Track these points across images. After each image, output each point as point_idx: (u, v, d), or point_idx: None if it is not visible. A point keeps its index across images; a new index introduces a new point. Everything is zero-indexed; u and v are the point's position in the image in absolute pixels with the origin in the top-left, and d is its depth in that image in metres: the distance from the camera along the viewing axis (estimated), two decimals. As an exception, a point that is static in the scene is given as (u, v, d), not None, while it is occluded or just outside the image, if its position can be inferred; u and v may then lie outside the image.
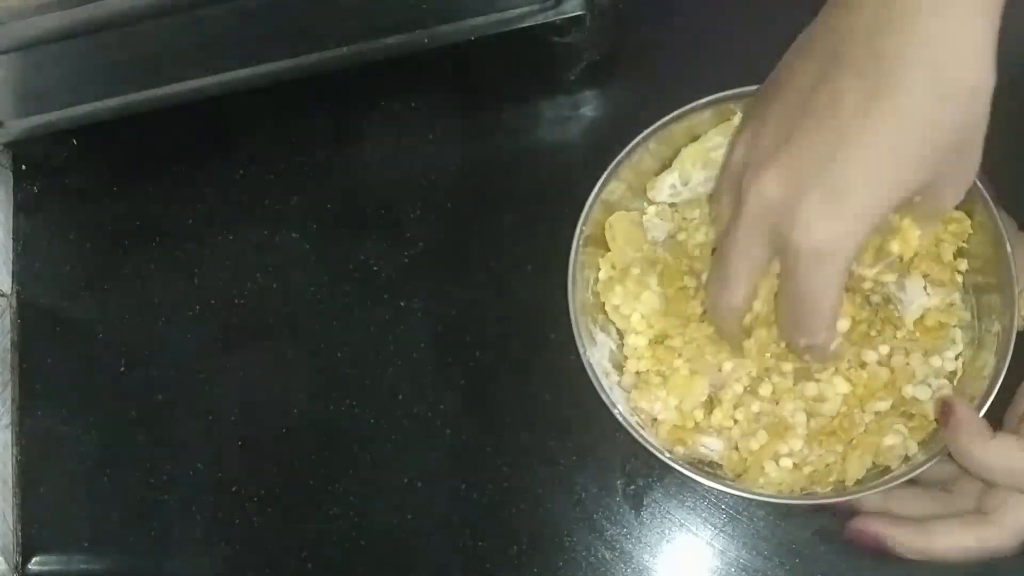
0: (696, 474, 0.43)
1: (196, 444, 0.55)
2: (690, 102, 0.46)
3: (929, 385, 0.45)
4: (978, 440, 0.38)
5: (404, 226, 0.56)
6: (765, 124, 0.38)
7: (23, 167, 0.61)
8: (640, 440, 0.44)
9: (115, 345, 0.57)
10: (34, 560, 0.56)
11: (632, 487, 0.51)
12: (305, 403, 0.55)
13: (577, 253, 0.46)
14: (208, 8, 0.47)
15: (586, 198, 0.50)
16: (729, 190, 0.40)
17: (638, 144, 0.46)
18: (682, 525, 0.51)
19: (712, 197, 0.44)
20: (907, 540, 0.39)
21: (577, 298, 0.46)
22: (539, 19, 0.54)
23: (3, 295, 0.59)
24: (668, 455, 0.44)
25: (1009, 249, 0.42)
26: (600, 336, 0.48)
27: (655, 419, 0.46)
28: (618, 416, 0.44)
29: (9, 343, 0.58)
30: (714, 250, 0.44)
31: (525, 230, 0.55)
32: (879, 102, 0.34)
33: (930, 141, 0.35)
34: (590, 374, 0.45)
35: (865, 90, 0.34)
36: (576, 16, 0.54)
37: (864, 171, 0.34)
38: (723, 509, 0.50)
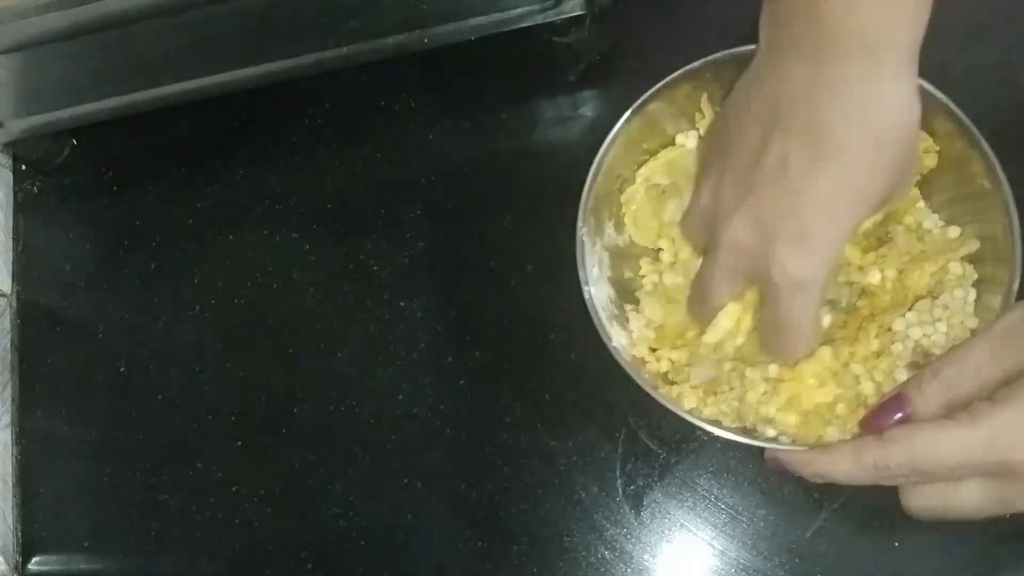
0: (673, 406, 0.44)
1: (196, 444, 0.55)
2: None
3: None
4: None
5: (404, 226, 0.56)
6: (723, 178, 0.43)
7: (23, 167, 0.61)
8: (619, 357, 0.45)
9: (115, 345, 0.57)
10: (34, 560, 0.56)
11: (632, 487, 0.51)
12: (305, 403, 0.55)
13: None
14: (208, 8, 0.47)
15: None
16: (701, 227, 0.45)
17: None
18: (682, 525, 0.51)
19: (682, 226, 0.48)
20: (804, 464, 0.42)
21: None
22: (539, 19, 0.54)
23: (3, 295, 0.59)
24: (644, 378, 0.45)
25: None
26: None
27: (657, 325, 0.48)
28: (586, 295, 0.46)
29: (9, 343, 0.58)
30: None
31: (525, 230, 0.55)
32: (824, 164, 0.39)
33: (873, 182, 0.40)
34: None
35: (809, 155, 0.39)
36: (576, 16, 0.54)
37: (822, 217, 0.40)
38: (723, 509, 0.50)
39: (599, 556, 0.51)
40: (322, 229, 0.57)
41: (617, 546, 0.51)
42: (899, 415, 0.40)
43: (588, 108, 0.57)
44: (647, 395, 0.51)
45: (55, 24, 0.46)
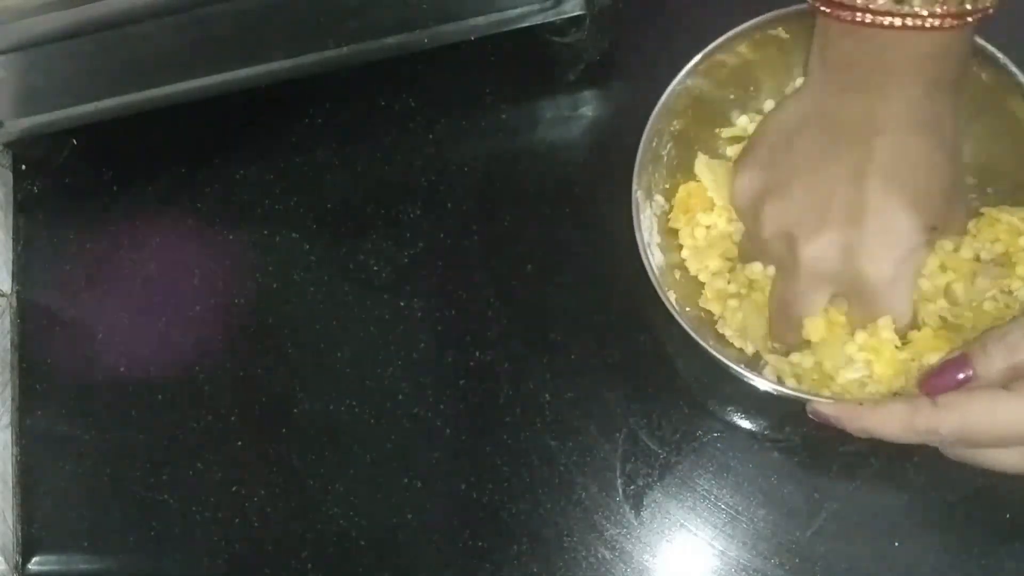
0: (698, 336, 0.44)
1: (196, 445, 0.55)
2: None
3: None
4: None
5: (404, 226, 0.56)
6: (791, 199, 0.44)
7: (23, 167, 0.61)
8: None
9: (115, 345, 0.57)
10: (34, 560, 0.56)
11: (632, 487, 0.51)
12: (305, 403, 0.55)
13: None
14: (208, 8, 0.47)
15: (586, 198, 0.50)
16: (772, 250, 0.46)
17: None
18: (682, 525, 0.51)
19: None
20: (851, 419, 0.42)
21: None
22: (539, 19, 0.54)
23: (3, 295, 0.59)
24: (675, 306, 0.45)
25: None
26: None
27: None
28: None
29: (9, 343, 0.58)
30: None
31: (525, 230, 0.55)
32: (905, 176, 0.42)
33: (947, 186, 0.43)
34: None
35: (884, 166, 0.41)
36: (576, 16, 0.54)
37: (905, 212, 0.42)
38: (723, 509, 0.50)
39: (599, 556, 0.51)
40: (322, 229, 0.57)
41: (617, 546, 0.51)
42: (960, 376, 0.40)
43: (588, 108, 0.57)
44: (648, 394, 0.51)
45: (55, 24, 0.46)
